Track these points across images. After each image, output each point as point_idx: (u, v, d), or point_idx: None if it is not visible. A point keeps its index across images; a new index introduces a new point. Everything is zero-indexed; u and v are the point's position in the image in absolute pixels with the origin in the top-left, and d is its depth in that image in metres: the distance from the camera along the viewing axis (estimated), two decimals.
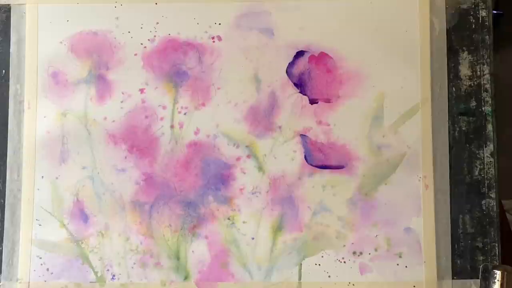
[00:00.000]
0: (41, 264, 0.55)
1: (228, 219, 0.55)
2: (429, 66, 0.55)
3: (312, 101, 0.56)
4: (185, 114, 0.56)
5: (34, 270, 0.55)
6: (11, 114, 0.57)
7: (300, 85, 0.56)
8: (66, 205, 0.56)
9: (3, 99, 0.57)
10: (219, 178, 0.55)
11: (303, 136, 0.55)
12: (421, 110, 0.55)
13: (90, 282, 0.55)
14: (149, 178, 0.56)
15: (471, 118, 0.56)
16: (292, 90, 0.56)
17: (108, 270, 0.55)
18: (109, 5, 0.57)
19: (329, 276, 0.55)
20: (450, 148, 0.55)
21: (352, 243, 0.55)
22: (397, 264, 0.54)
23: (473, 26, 0.56)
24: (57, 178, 0.56)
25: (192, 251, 0.55)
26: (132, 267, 0.55)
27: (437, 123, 0.55)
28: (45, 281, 0.55)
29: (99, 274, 0.55)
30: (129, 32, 0.57)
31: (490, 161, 0.55)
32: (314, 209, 0.55)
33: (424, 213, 0.55)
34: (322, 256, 0.55)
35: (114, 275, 0.55)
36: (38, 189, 0.56)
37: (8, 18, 0.57)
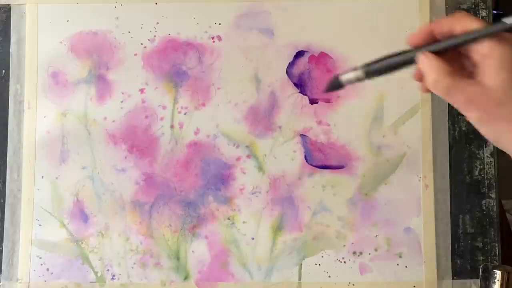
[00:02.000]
0: (41, 264, 0.55)
1: (228, 219, 0.55)
2: None
3: (312, 101, 0.56)
4: (185, 114, 0.56)
5: (34, 270, 0.55)
6: (11, 114, 0.57)
7: (300, 85, 0.56)
8: (66, 205, 0.56)
9: (3, 99, 0.57)
10: (219, 178, 0.55)
11: (303, 136, 0.55)
12: (421, 110, 0.55)
13: (90, 282, 0.55)
14: (149, 178, 0.56)
15: None
16: (292, 90, 0.56)
17: (108, 270, 0.55)
18: (109, 5, 0.57)
19: (329, 276, 0.55)
20: (450, 148, 0.55)
21: (352, 243, 0.55)
22: (397, 264, 0.54)
23: None
24: (57, 178, 0.56)
25: (192, 251, 0.55)
26: (132, 267, 0.55)
27: (437, 123, 0.55)
28: (45, 281, 0.55)
29: (99, 274, 0.55)
30: (129, 32, 0.57)
31: (490, 161, 0.55)
32: (314, 209, 0.55)
33: (424, 213, 0.55)
34: (322, 256, 0.55)
35: (114, 275, 0.55)
36: (38, 189, 0.56)
37: (8, 18, 0.57)
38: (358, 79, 0.42)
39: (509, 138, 0.36)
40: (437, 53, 0.38)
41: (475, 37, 0.37)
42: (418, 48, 0.38)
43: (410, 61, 0.39)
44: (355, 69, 0.42)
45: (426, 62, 0.38)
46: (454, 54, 0.39)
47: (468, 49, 0.37)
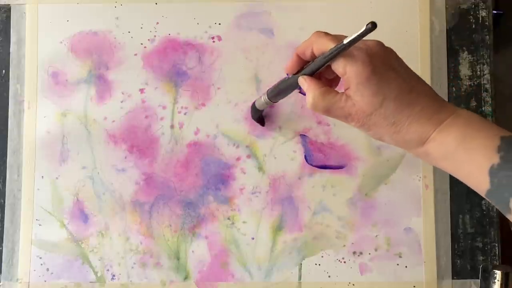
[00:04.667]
0: (41, 264, 0.55)
1: (228, 219, 0.55)
2: (429, 66, 0.55)
3: None
4: (185, 114, 0.56)
5: (34, 270, 0.55)
6: (11, 114, 0.57)
7: None
8: (66, 205, 0.56)
9: (3, 99, 0.57)
10: (219, 178, 0.55)
11: (303, 136, 0.55)
12: None
13: (90, 282, 0.55)
14: (149, 178, 0.56)
15: None
16: None
17: (108, 270, 0.55)
18: (109, 5, 0.57)
19: (329, 276, 0.55)
20: None
21: (352, 243, 0.55)
22: (397, 264, 0.54)
23: (473, 26, 0.56)
24: (57, 178, 0.56)
25: (192, 251, 0.55)
26: (132, 267, 0.55)
27: None
28: (45, 281, 0.55)
29: (99, 274, 0.55)
30: (129, 32, 0.57)
31: None
32: (314, 209, 0.55)
33: (424, 213, 0.55)
34: (322, 256, 0.55)
35: (114, 275, 0.55)
36: (38, 189, 0.56)
37: (8, 18, 0.57)
38: (267, 103, 0.49)
39: (390, 139, 0.40)
40: (313, 73, 0.42)
41: (325, 60, 0.40)
42: (297, 73, 0.43)
43: (296, 84, 0.44)
44: (263, 95, 0.49)
45: (304, 85, 0.42)
46: (327, 69, 0.42)
47: (333, 68, 0.40)
